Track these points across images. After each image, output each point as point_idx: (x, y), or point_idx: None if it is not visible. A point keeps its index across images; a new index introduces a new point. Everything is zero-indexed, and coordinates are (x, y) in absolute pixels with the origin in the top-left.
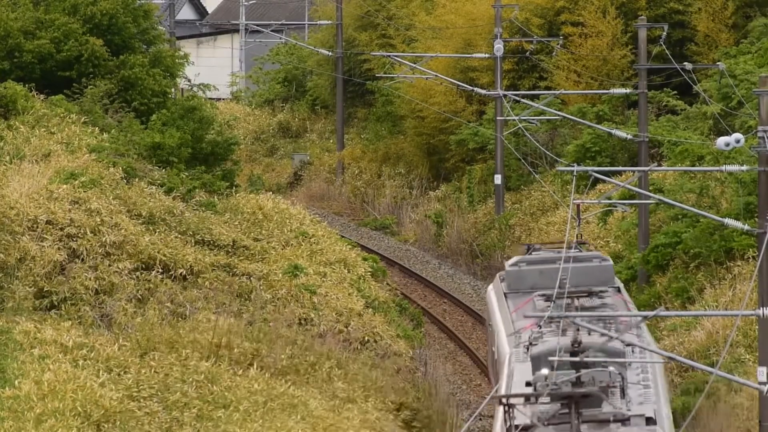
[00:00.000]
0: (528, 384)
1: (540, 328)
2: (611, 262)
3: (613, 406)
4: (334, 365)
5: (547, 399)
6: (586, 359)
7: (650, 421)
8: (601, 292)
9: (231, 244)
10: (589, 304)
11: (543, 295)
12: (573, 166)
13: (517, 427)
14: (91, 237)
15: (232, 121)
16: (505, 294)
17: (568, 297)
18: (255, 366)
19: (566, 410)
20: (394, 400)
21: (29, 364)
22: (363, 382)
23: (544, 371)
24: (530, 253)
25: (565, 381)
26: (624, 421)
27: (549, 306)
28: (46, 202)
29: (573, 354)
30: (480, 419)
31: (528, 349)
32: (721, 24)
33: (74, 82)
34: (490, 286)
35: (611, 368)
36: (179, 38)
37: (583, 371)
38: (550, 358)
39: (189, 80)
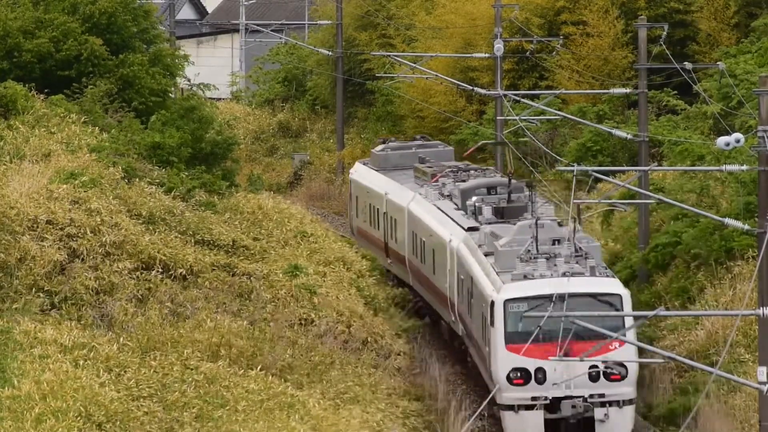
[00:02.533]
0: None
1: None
2: (452, 148)
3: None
4: (335, 365)
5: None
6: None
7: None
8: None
9: (231, 243)
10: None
11: (423, 164)
12: (573, 166)
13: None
14: (91, 237)
15: (232, 120)
16: (377, 170)
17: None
18: (256, 366)
19: (499, 217)
20: (394, 400)
21: (29, 364)
22: (364, 382)
23: (477, 197)
24: (387, 143)
25: (497, 203)
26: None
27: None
28: (46, 202)
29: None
30: (480, 419)
31: (441, 189)
32: (724, 23)
33: (74, 81)
34: (353, 171)
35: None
36: (179, 38)
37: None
38: (477, 189)
39: (189, 80)
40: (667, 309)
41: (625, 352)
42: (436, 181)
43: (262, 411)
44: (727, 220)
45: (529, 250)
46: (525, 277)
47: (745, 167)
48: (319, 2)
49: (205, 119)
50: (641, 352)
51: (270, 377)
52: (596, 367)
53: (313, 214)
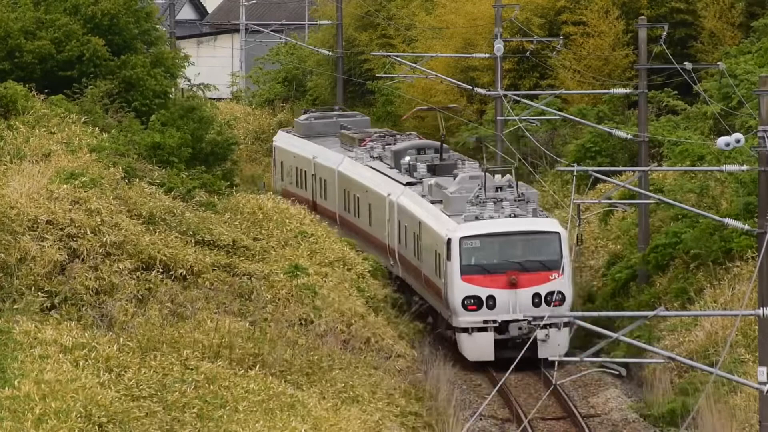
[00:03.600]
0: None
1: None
2: (368, 118)
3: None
4: (336, 365)
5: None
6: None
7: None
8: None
9: (231, 244)
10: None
11: (348, 131)
12: (573, 166)
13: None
14: (92, 237)
15: (232, 121)
16: (302, 137)
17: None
18: (256, 367)
19: (432, 174)
20: (395, 400)
21: (29, 364)
22: (364, 382)
23: (410, 156)
24: (309, 113)
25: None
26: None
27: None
28: (46, 202)
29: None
30: (480, 419)
31: (371, 152)
32: (728, 23)
33: (75, 82)
34: (277, 139)
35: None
36: (179, 38)
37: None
38: (408, 150)
39: (189, 80)
40: (667, 309)
41: (562, 282)
42: (365, 145)
43: (263, 411)
44: (727, 221)
45: (478, 196)
46: (476, 218)
47: (745, 167)
48: (319, 2)
49: (205, 119)
50: (641, 352)
51: (270, 377)
52: (539, 294)
53: (313, 214)
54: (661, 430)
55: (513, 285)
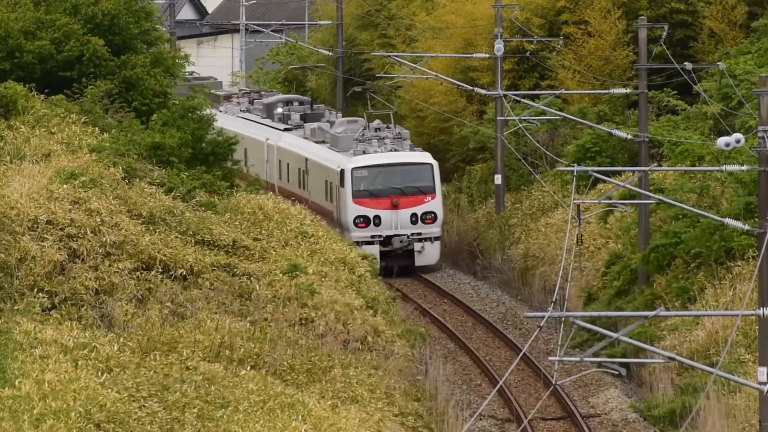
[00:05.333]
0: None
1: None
2: (222, 80)
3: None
4: (336, 366)
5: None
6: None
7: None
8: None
9: (231, 244)
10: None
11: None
12: (573, 166)
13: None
14: (91, 237)
15: None
16: None
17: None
18: (256, 367)
19: (304, 122)
20: (394, 400)
21: (29, 364)
22: (363, 382)
23: (283, 107)
24: None
25: (303, 111)
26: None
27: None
28: (46, 202)
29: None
30: (480, 419)
31: (239, 106)
32: (730, 23)
33: (75, 82)
34: None
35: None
36: (179, 38)
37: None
38: (278, 103)
39: (190, 81)
40: (667, 309)
41: (434, 204)
42: (232, 100)
43: (263, 411)
44: (727, 221)
45: (363, 134)
46: (364, 152)
47: (745, 167)
48: (319, 2)
49: (206, 119)
50: (641, 352)
51: (270, 377)
52: (416, 214)
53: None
54: (661, 430)
55: (395, 206)
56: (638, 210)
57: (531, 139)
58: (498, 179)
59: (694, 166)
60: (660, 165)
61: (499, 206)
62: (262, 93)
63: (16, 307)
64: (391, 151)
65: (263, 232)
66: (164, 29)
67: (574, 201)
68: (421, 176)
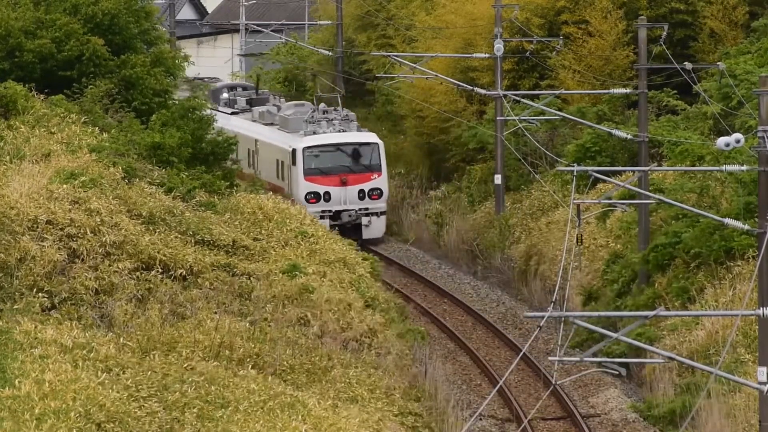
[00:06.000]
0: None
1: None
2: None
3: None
4: (336, 365)
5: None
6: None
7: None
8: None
9: (231, 244)
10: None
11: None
12: (573, 166)
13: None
14: (91, 237)
15: None
16: None
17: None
18: (256, 367)
19: (251, 106)
20: (394, 400)
21: (29, 364)
22: (364, 382)
23: (229, 93)
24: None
25: (249, 96)
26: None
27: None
28: (46, 202)
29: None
30: (480, 419)
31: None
32: (730, 23)
33: (75, 81)
34: None
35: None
36: (179, 38)
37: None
38: (224, 89)
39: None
40: (667, 309)
41: (380, 181)
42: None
43: (263, 411)
44: (727, 220)
45: (313, 116)
46: (314, 133)
47: (745, 167)
48: (319, 2)
49: (206, 119)
50: (641, 352)
51: (270, 377)
52: (363, 190)
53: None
54: (661, 430)
55: (344, 183)
56: (638, 210)
57: (531, 139)
58: (498, 179)
59: (694, 166)
60: (660, 165)
61: (499, 206)
62: (205, 79)
63: (16, 307)
64: (339, 131)
65: (263, 232)
66: (164, 29)
67: (574, 201)
68: (368, 155)
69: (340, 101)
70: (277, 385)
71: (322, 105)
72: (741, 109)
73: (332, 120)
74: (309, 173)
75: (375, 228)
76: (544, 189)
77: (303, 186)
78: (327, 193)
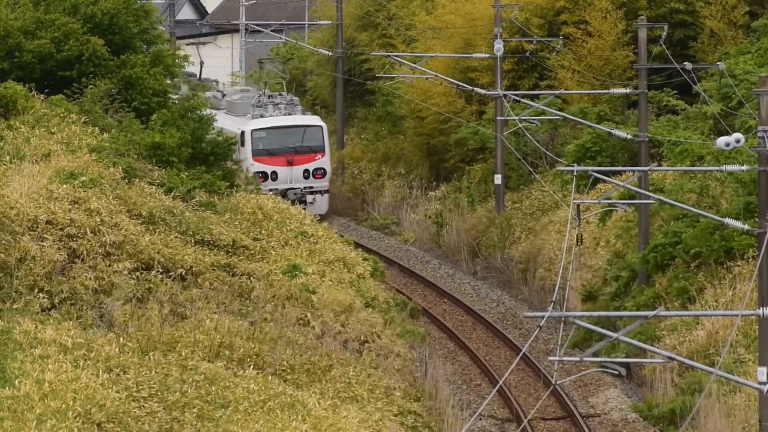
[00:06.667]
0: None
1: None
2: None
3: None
4: (336, 365)
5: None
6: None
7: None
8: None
9: (231, 244)
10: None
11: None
12: (573, 166)
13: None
14: (91, 237)
15: None
16: None
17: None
18: (256, 367)
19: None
20: (394, 399)
21: (29, 364)
22: (364, 382)
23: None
24: None
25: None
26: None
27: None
28: (46, 202)
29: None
30: (480, 419)
31: None
32: (730, 23)
33: (74, 81)
34: None
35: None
36: (179, 38)
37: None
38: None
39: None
40: (667, 309)
41: (323, 161)
42: None
43: (263, 411)
44: (727, 220)
45: (259, 100)
46: (261, 116)
47: (745, 167)
48: (319, 2)
49: (206, 119)
50: (641, 352)
51: (270, 377)
52: (308, 170)
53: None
54: (661, 430)
55: (290, 163)
56: (638, 210)
57: (531, 139)
58: (498, 179)
59: (694, 166)
60: (660, 165)
61: (499, 206)
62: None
63: (15, 307)
64: (285, 115)
65: (263, 232)
66: (164, 29)
67: (574, 201)
68: (313, 137)
69: (284, 86)
70: (277, 385)
71: (266, 90)
72: (741, 109)
73: (278, 104)
74: (257, 154)
75: (319, 205)
76: (544, 189)
77: (251, 166)
78: (274, 173)
